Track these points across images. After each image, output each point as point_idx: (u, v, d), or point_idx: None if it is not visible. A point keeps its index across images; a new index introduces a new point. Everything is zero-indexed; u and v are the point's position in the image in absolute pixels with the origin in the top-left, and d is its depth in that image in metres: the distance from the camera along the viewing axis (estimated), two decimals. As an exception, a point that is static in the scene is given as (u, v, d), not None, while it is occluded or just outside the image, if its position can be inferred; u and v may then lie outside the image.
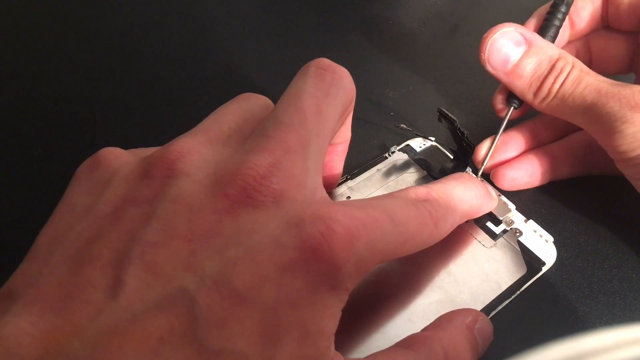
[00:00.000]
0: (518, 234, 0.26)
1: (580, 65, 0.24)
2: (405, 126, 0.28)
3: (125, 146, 0.20)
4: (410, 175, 0.28)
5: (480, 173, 0.27)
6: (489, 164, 0.27)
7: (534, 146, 0.28)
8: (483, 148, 0.27)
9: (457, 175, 0.25)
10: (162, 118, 0.34)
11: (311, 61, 0.19)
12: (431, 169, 0.28)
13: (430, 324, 0.20)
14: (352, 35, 0.40)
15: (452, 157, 0.28)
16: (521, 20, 0.26)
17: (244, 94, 0.21)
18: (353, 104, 0.21)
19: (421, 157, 0.29)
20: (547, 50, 0.24)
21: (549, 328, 0.23)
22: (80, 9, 0.43)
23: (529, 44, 0.24)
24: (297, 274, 0.15)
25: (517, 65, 0.24)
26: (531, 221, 0.26)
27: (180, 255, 0.15)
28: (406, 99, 0.35)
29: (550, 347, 0.19)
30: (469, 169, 0.28)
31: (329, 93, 0.19)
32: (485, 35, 0.25)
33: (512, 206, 0.27)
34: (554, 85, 0.24)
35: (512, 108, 0.26)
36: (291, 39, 0.40)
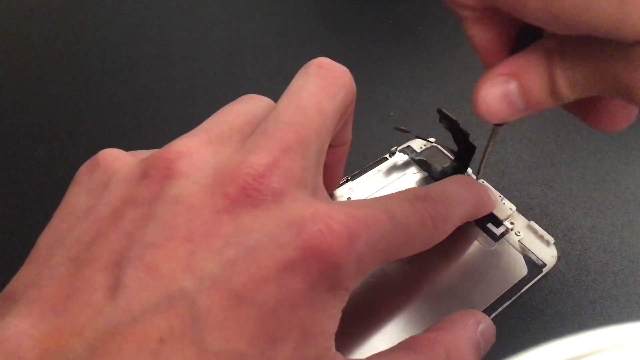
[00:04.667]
0: (519, 236, 0.26)
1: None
2: (404, 128, 0.28)
3: (125, 146, 0.20)
4: (411, 177, 0.28)
5: (480, 175, 0.26)
6: None
7: None
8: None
9: (457, 177, 0.24)
10: (162, 118, 0.34)
11: (312, 60, 0.19)
12: (432, 170, 0.28)
13: (433, 325, 0.19)
14: (352, 35, 0.40)
15: (452, 158, 0.28)
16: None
17: (246, 95, 0.21)
18: (354, 104, 0.21)
19: (422, 158, 0.29)
20: (530, 64, 0.19)
21: (549, 329, 0.23)
22: (80, 8, 0.43)
23: (515, 74, 0.19)
24: (297, 274, 0.15)
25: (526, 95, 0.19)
26: (532, 222, 0.26)
27: (180, 256, 0.14)
28: (406, 99, 0.35)
29: (551, 348, 0.19)
30: (469, 170, 0.28)
31: (329, 92, 0.18)
32: (474, 99, 0.20)
33: (513, 207, 0.27)
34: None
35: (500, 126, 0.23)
36: (291, 39, 0.40)
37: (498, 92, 0.19)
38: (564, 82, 0.18)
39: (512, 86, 0.19)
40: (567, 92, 0.19)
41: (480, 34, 0.20)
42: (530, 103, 0.19)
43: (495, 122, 0.21)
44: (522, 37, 0.19)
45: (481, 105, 0.19)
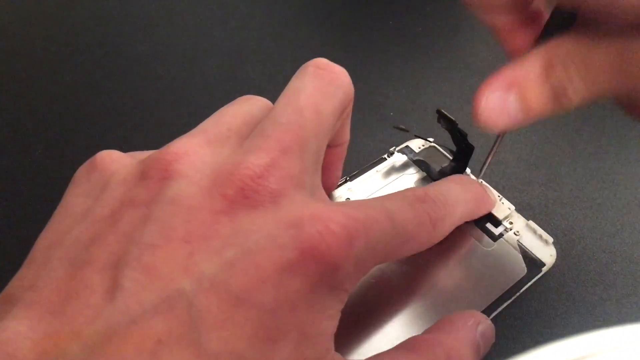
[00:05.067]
0: (518, 235, 0.26)
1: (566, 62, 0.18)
2: (403, 127, 0.28)
3: (125, 147, 0.20)
4: (410, 177, 0.28)
5: (481, 175, 0.26)
6: None
7: None
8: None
9: (456, 176, 0.24)
10: (161, 119, 0.34)
11: (309, 61, 0.19)
12: (430, 170, 0.28)
13: (432, 326, 0.19)
14: (352, 35, 0.40)
15: (451, 158, 0.28)
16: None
17: (244, 96, 0.21)
18: (351, 104, 0.21)
19: (420, 158, 0.29)
20: (531, 72, 0.19)
21: (549, 330, 0.23)
22: (80, 8, 0.43)
23: (514, 85, 0.19)
24: (296, 275, 0.15)
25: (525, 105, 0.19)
26: (531, 222, 0.26)
27: (178, 257, 0.14)
28: (406, 99, 0.35)
29: (550, 349, 0.19)
30: (468, 170, 0.28)
31: (327, 92, 0.18)
32: (475, 108, 0.20)
33: (511, 207, 0.27)
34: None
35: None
36: (290, 40, 0.40)
37: (497, 104, 0.19)
38: (572, 89, 0.18)
39: (511, 97, 0.19)
40: (576, 99, 0.18)
41: (513, 40, 0.20)
42: (531, 113, 0.19)
43: (495, 133, 0.20)
44: (549, 29, 0.20)
45: (481, 117, 0.19)
